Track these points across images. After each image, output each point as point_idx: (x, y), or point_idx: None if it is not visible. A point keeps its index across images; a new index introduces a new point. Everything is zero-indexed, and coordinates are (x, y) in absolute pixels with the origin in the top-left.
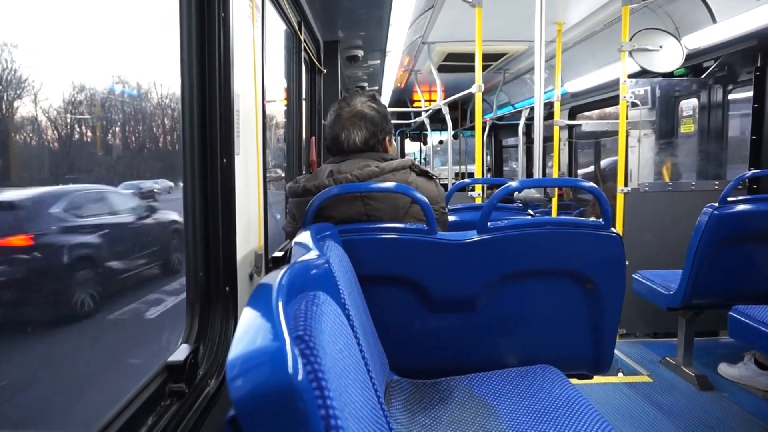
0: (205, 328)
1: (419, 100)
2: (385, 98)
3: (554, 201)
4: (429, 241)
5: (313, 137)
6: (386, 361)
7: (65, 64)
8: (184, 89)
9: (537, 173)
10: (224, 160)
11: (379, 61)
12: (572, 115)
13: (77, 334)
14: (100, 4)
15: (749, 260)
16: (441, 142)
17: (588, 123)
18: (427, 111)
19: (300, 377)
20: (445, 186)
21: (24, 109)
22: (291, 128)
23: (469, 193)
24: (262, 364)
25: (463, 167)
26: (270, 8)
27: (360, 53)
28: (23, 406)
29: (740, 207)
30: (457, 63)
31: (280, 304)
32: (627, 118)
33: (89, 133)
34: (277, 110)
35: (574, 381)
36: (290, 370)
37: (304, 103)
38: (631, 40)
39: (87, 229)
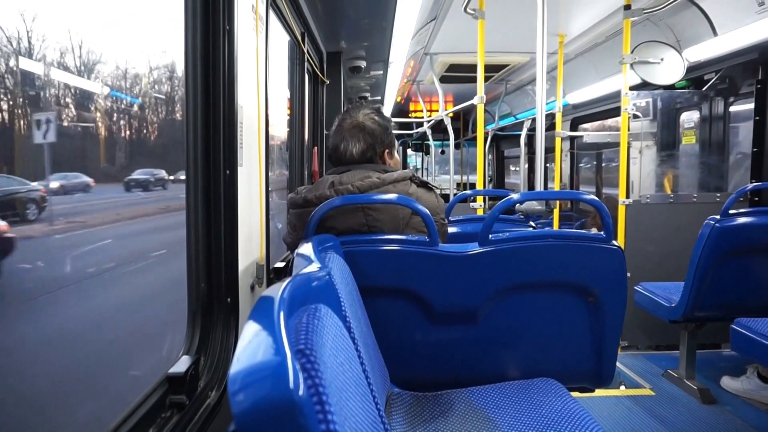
0: (206, 339)
1: (421, 111)
2: (388, 108)
3: (555, 212)
4: (431, 253)
5: (316, 147)
6: (387, 373)
7: None
8: (189, 101)
9: (539, 185)
10: (227, 171)
11: (381, 72)
12: (574, 127)
13: None
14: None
15: (751, 273)
16: (443, 152)
17: (590, 134)
18: (429, 121)
19: (301, 392)
20: (446, 197)
21: None
22: (294, 139)
23: (471, 204)
24: (263, 378)
25: (464, 177)
26: (274, 20)
27: (363, 64)
28: None
29: (742, 220)
30: (459, 74)
31: (282, 317)
32: (628, 130)
33: None
34: (280, 121)
35: (575, 394)
36: (291, 384)
37: (306, 113)
38: (632, 52)
39: None
